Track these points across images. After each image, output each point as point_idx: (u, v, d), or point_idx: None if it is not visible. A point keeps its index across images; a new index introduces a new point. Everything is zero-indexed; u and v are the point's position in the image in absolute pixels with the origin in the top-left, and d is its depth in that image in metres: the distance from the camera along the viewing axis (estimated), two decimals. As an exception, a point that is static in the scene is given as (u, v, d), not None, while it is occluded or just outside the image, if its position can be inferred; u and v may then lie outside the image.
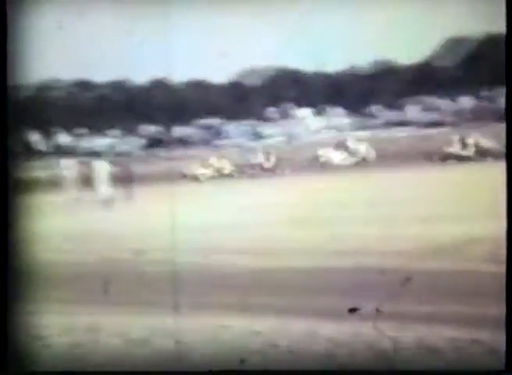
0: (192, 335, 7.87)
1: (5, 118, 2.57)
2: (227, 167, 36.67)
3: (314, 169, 32.37)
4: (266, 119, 52.81)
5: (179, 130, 49.31)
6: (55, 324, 8.60)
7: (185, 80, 58.12)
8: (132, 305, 9.70)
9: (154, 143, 46.28)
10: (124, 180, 28.68)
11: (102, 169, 28.80)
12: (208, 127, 50.03)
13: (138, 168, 35.45)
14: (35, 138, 45.59)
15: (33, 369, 2.75)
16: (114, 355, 7.21)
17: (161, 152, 45.69)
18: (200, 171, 36.70)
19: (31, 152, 47.07)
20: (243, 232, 15.63)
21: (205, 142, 52.62)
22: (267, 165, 37.33)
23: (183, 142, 47.62)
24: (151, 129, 50.03)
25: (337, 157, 27.60)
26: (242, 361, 6.45)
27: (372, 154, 21.92)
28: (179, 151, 44.80)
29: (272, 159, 38.46)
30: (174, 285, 10.85)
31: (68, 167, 28.50)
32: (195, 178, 35.95)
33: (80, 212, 22.00)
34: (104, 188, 27.41)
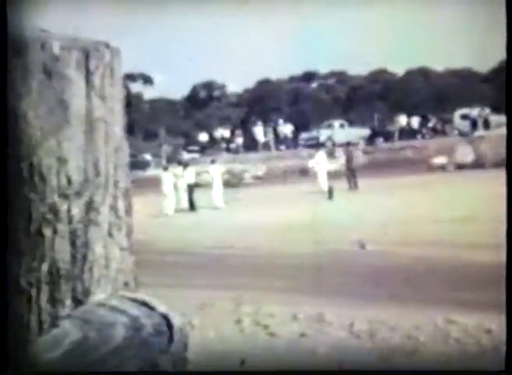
0: (415, 330, 7.62)
1: (6, 118, 2.56)
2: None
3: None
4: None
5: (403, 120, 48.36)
6: (281, 313, 8.66)
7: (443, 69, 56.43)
8: (354, 297, 9.58)
9: (378, 134, 45.99)
10: (348, 170, 28.50)
11: (321, 160, 28.97)
12: (468, 118, 48.16)
13: (362, 158, 35.24)
14: (258, 129, 46.57)
15: (34, 370, 2.73)
16: (341, 346, 7.13)
17: (382, 143, 45.21)
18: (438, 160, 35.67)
19: (255, 143, 48.17)
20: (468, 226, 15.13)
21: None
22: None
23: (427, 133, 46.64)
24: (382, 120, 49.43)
25: None
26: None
27: None
28: (401, 143, 43.90)
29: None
30: (395, 277, 10.62)
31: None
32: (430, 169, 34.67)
33: (302, 203, 22.19)
34: (324, 179, 27.52)
